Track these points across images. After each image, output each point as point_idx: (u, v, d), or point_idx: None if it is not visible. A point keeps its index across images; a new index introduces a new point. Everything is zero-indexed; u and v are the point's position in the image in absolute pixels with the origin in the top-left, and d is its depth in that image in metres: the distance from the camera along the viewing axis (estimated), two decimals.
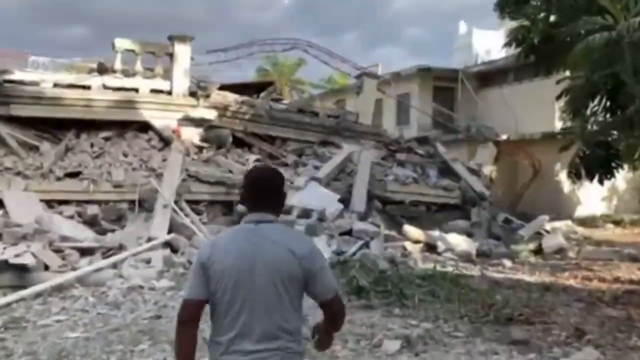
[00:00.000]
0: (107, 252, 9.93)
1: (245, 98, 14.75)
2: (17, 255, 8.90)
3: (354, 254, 10.81)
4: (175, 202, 12.28)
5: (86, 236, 10.49)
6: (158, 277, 9.22)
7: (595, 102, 8.87)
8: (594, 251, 12.62)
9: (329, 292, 2.56)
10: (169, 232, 11.08)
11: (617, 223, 18.50)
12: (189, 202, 12.64)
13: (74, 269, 9.16)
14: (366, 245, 11.54)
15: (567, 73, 10.68)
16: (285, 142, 15.19)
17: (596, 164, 9.08)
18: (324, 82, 38.32)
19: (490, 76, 24.50)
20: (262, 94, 16.87)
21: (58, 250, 9.63)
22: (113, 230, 11.34)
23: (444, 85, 24.92)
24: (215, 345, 2.53)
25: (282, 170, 12.48)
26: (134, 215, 11.91)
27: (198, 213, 12.68)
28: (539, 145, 21.27)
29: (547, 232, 14.66)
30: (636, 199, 21.29)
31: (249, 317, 2.47)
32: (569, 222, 17.26)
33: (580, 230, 16.47)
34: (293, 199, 12.91)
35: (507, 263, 11.29)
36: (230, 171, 13.24)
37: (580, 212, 20.85)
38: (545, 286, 8.92)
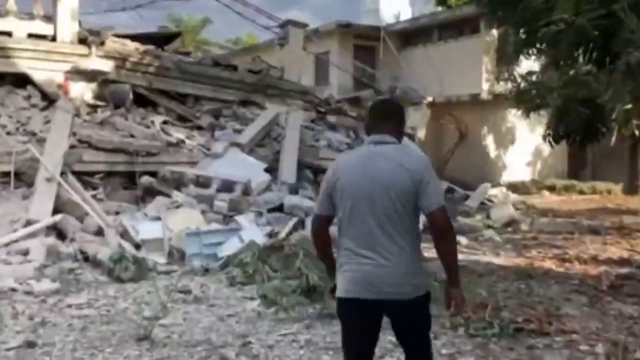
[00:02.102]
0: None
1: (148, 47, 12.32)
2: None
3: (288, 235, 8.96)
4: (62, 175, 9.89)
5: None
6: (38, 275, 6.92)
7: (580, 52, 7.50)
8: (548, 223, 11.45)
9: (434, 204, 2.69)
10: (55, 212, 8.75)
11: (551, 189, 17.74)
12: (80, 173, 10.23)
13: None
14: (301, 223, 9.72)
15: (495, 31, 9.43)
16: (198, 101, 12.93)
17: (579, 126, 7.72)
18: (231, 44, 35.98)
19: (413, 35, 23.07)
20: (168, 47, 14.49)
21: None
22: None
23: (365, 44, 23.36)
24: (340, 250, 2.79)
25: (195, 134, 10.37)
26: (8, 191, 9.41)
27: (93, 187, 10.32)
28: (466, 109, 20.24)
29: (491, 201, 13.45)
30: (561, 162, 20.79)
31: (367, 229, 2.69)
32: (504, 190, 16.25)
33: (514, 197, 15.45)
34: (210, 169, 10.82)
35: (463, 240, 9.82)
36: (132, 135, 10.92)
37: (506, 177, 20.08)
38: (524, 272, 7.47)
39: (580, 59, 8.05)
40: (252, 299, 6.13)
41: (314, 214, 2.91)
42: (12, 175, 9.53)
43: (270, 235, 8.68)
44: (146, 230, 8.26)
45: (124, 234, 8.34)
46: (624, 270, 7.55)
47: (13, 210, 8.66)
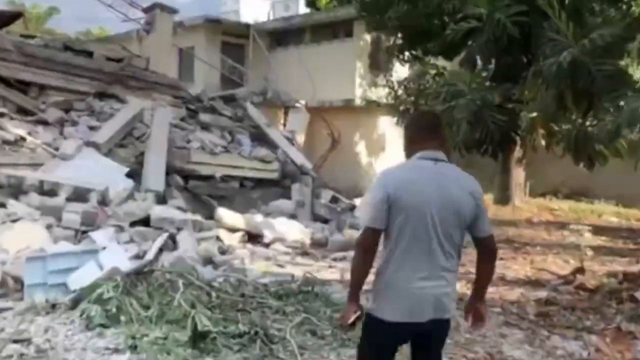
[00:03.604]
0: None
1: None
2: None
3: (157, 255, 7.42)
4: None
5: None
6: None
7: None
8: None
9: (489, 228, 2.84)
10: None
11: None
12: None
13: None
14: (171, 239, 8.19)
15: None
16: (44, 91, 10.78)
17: (494, 134, 6.99)
18: (82, 37, 33.11)
19: (285, 35, 22.10)
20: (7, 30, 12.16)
21: None
22: None
23: (233, 41, 22.05)
24: (389, 269, 2.74)
25: (39, 130, 8.46)
26: None
27: None
28: (339, 114, 19.58)
29: None
30: None
31: (428, 252, 2.70)
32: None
33: None
34: (58, 173, 8.94)
35: None
36: None
37: None
38: None
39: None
40: (117, 350, 4.59)
41: (368, 228, 2.74)
42: None
43: (137, 257, 7.07)
44: None
45: None
46: (540, 293, 6.92)
47: None
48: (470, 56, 7.30)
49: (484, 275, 2.92)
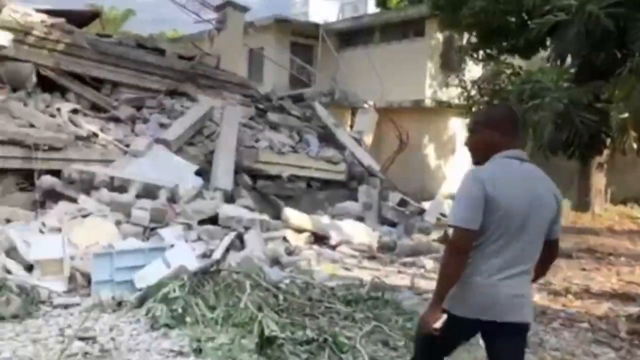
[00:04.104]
0: None
1: (58, 20, 10.25)
2: None
3: (224, 254, 7.31)
4: None
5: None
6: None
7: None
8: None
9: (560, 230, 2.79)
10: None
11: None
12: None
13: None
14: (239, 238, 8.07)
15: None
16: (116, 88, 10.94)
17: (582, 135, 6.48)
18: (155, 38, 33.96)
19: (354, 35, 21.85)
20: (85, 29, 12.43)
21: None
22: None
23: (302, 41, 22.01)
24: (480, 268, 2.64)
25: (111, 127, 8.48)
26: None
27: None
28: (408, 115, 19.13)
29: (444, 216, 12.21)
30: None
31: (514, 253, 2.63)
32: (450, 202, 15.15)
33: None
34: (128, 170, 8.98)
35: (428, 263, 8.47)
36: (32, 125, 8.89)
37: (445, 189, 19.11)
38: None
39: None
40: (181, 353, 4.44)
41: (463, 229, 2.60)
42: None
43: (205, 255, 6.96)
44: (41, 246, 6.35)
45: (11, 251, 6.40)
46: (631, 308, 6.36)
47: None
48: (559, 51, 6.76)
49: (541, 276, 2.92)
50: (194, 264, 6.12)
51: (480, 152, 2.78)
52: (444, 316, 2.63)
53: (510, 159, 2.69)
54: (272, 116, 12.03)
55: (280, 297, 5.45)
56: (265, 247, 8.01)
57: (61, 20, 10.34)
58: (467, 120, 16.61)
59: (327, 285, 6.27)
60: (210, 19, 17.10)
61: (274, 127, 11.76)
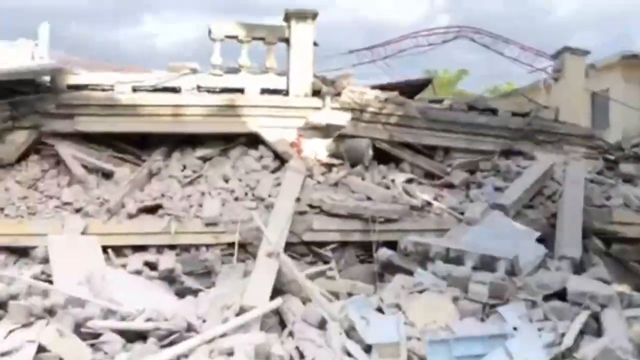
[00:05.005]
0: (169, 336, 6.24)
1: (390, 94, 10.59)
2: (11, 350, 5.48)
3: (577, 340, 6.17)
4: (292, 246, 8.53)
5: (148, 306, 6.85)
6: None
7: None
8: None
9: None
10: (277, 292, 7.28)
11: None
12: (310, 244, 8.81)
13: None
14: (595, 319, 6.81)
15: None
16: (448, 154, 10.76)
17: None
18: (489, 94, 33.85)
19: None
20: (418, 97, 12.72)
21: (92, 334, 6.15)
22: (197, 292, 7.75)
23: None
24: None
25: (445, 194, 8.00)
26: (229, 266, 8.23)
27: (324, 261, 8.77)
28: None
29: None
30: None
31: None
32: None
33: None
34: (464, 239, 8.50)
35: None
36: (369, 198, 9.16)
37: None
38: None
39: None
40: None
41: None
42: (236, 246, 8.37)
43: (552, 344, 5.97)
44: (379, 328, 6.23)
45: (350, 331, 6.41)
46: None
47: (228, 291, 7.34)
48: None
49: None
50: (540, 356, 5.23)
51: None
52: None
53: None
54: (626, 167, 10.44)
55: None
56: (628, 330, 6.59)
57: (394, 93, 10.67)
58: None
59: None
60: (545, 67, 16.11)
61: (629, 180, 10.14)
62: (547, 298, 7.32)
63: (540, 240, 8.55)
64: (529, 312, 6.99)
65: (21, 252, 8.15)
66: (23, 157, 9.44)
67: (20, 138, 9.28)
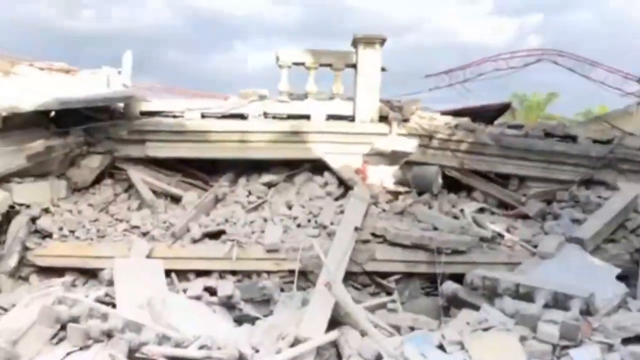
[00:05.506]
0: None
1: (460, 120, 10.24)
2: None
3: None
4: (354, 275, 8.34)
5: (204, 333, 6.81)
6: None
7: None
8: None
9: None
10: (335, 324, 7.08)
11: None
12: (373, 274, 8.57)
13: None
14: None
15: None
16: (523, 183, 10.23)
17: None
18: (580, 117, 32.44)
19: None
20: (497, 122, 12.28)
21: None
22: (255, 319, 7.67)
23: None
24: None
25: (519, 225, 7.47)
26: (288, 294, 8.11)
27: (387, 292, 8.51)
28: None
29: None
30: None
31: None
32: None
33: None
34: (536, 275, 7.99)
35: None
36: (435, 227, 8.82)
37: None
38: None
39: None
40: None
41: None
42: (296, 274, 8.25)
43: None
44: None
45: None
46: None
47: (284, 321, 7.21)
48: None
49: None
50: None
51: None
52: None
53: None
54: None
55: None
56: None
57: (465, 119, 10.32)
58: None
59: None
60: (636, 91, 15.27)
61: None
62: (625, 342, 6.74)
63: (621, 277, 7.91)
64: (605, 355, 6.46)
65: (90, 274, 8.38)
66: (97, 181, 9.79)
67: (94, 163, 9.63)
